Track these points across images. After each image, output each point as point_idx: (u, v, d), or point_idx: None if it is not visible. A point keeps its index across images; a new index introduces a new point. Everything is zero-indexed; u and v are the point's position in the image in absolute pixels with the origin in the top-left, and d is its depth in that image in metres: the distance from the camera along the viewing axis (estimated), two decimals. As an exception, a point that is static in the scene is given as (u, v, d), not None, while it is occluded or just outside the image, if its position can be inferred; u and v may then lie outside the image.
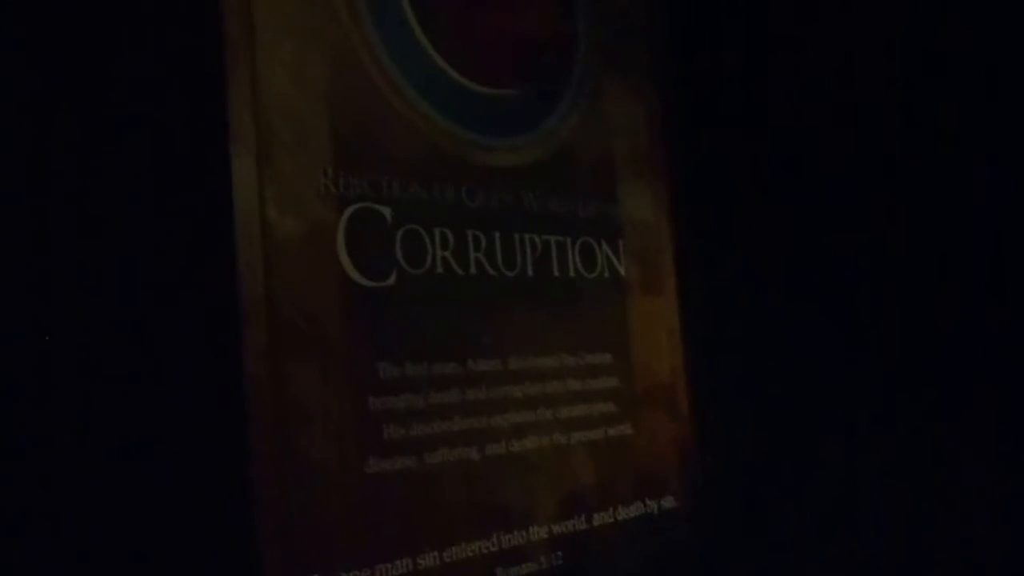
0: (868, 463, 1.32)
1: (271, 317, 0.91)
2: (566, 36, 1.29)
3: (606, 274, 1.27)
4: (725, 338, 1.39)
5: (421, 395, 1.02)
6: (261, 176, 0.92)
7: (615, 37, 1.35)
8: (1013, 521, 1.22)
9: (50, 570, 0.88)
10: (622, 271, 1.29)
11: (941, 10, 1.27)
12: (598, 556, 1.18)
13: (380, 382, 0.99)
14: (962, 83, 1.27)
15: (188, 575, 0.88)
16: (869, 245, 1.32)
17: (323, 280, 0.96)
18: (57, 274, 0.91)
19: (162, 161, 0.92)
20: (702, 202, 1.40)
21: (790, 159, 1.39)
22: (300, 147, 0.96)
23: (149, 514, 0.89)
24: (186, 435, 0.89)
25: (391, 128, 1.05)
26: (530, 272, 1.17)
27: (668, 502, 1.29)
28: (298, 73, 0.97)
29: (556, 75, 1.26)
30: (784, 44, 1.41)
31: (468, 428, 1.06)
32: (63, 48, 0.92)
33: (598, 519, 1.19)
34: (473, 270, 1.11)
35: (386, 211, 1.03)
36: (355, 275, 0.99)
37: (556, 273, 1.20)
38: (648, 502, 1.26)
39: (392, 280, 1.02)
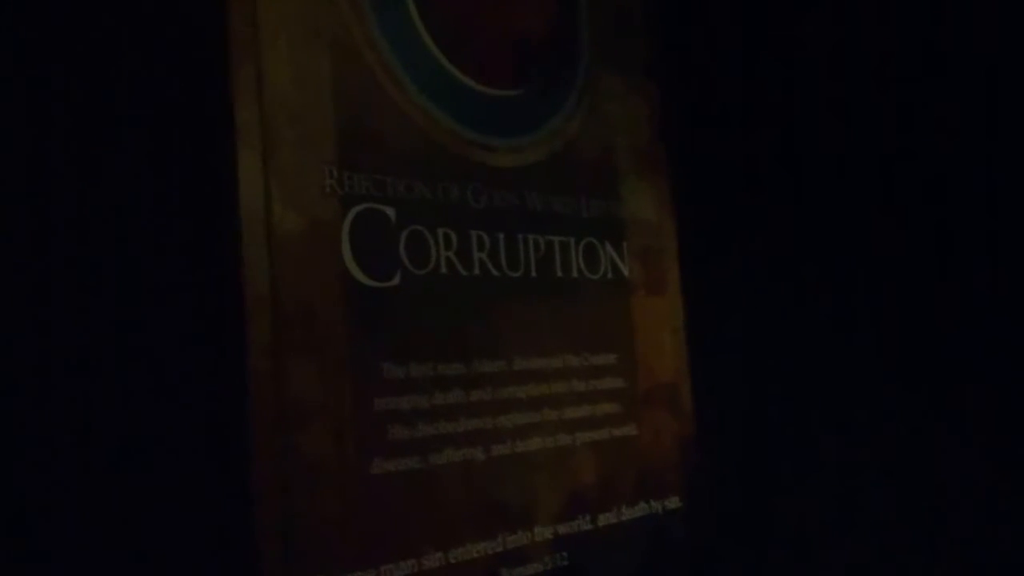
0: (868, 463, 1.32)
1: (274, 315, 0.90)
2: (568, 36, 1.29)
3: (609, 274, 1.27)
4: (727, 338, 1.39)
5: (425, 396, 1.02)
6: (266, 174, 0.92)
7: (617, 37, 1.35)
8: (1013, 521, 1.22)
9: (51, 568, 0.88)
10: (625, 271, 1.29)
11: (942, 10, 1.28)
12: (602, 556, 1.18)
13: (384, 382, 0.98)
14: (962, 83, 1.27)
15: (189, 574, 0.87)
16: (871, 245, 1.33)
17: (327, 279, 0.96)
18: (60, 270, 0.90)
19: (167, 159, 0.92)
20: (705, 202, 1.41)
21: (792, 159, 1.39)
22: (305, 146, 0.95)
23: (150, 512, 0.88)
24: (187, 433, 0.89)
25: (395, 128, 1.04)
26: (533, 272, 1.17)
27: (672, 502, 1.29)
28: (303, 72, 0.96)
29: (559, 75, 1.26)
30: (786, 43, 1.41)
31: (473, 429, 1.06)
32: (68, 47, 0.91)
33: (602, 519, 1.19)
34: (477, 270, 1.10)
35: (390, 211, 1.02)
36: (359, 274, 0.99)
37: (559, 273, 1.20)
38: (652, 502, 1.26)
39: (396, 280, 1.02)
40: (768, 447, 1.38)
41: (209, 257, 0.90)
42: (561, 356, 1.18)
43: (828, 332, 1.34)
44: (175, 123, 0.91)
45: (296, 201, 0.94)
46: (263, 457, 0.88)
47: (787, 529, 1.35)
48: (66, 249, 0.90)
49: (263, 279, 0.90)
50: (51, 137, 0.90)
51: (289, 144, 0.94)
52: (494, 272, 1.12)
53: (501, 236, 1.14)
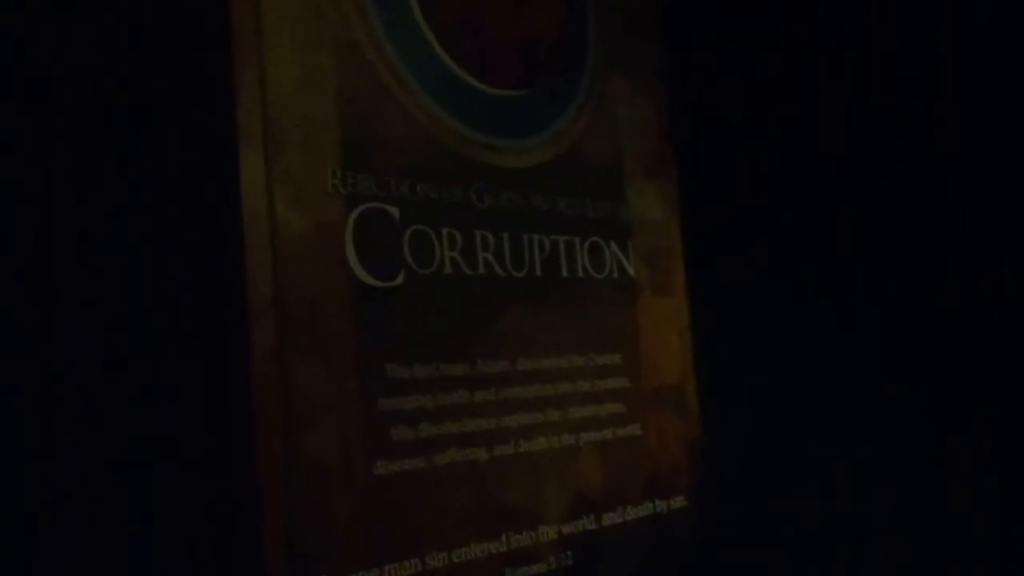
0: (872, 464, 1.32)
1: (278, 316, 0.90)
2: (575, 37, 1.28)
3: (615, 274, 1.27)
4: (733, 338, 1.38)
5: (430, 396, 1.02)
6: (270, 175, 0.92)
7: (624, 38, 1.35)
8: (1013, 521, 1.21)
9: (55, 569, 0.88)
10: (631, 271, 1.29)
11: (942, 10, 1.27)
12: (607, 556, 1.18)
13: (388, 383, 0.98)
14: (963, 83, 1.27)
15: (194, 575, 0.88)
16: (876, 247, 1.32)
17: (331, 279, 0.96)
18: (63, 273, 0.90)
19: (170, 160, 0.92)
20: (711, 203, 1.40)
21: (799, 160, 1.39)
22: (308, 146, 0.96)
23: (155, 514, 0.89)
24: (192, 434, 0.89)
25: (399, 128, 1.04)
26: (539, 273, 1.16)
27: (677, 502, 1.29)
28: (307, 72, 0.97)
29: (565, 76, 1.26)
30: (792, 46, 1.41)
31: (477, 429, 1.06)
32: (71, 48, 0.92)
33: (607, 519, 1.19)
34: (481, 270, 1.10)
35: (394, 211, 1.02)
36: (363, 275, 0.98)
37: (565, 273, 1.20)
38: (657, 502, 1.26)
39: (400, 280, 1.02)
40: (773, 448, 1.38)
41: (213, 259, 0.91)
42: (566, 356, 1.17)
43: (833, 333, 1.34)
44: (178, 124, 0.92)
45: (300, 202, 0.94)
46: (267, 458, 0.87)
47: (791, 529, 1.35)
48: (69, 251, 0.90)
49: (267, 280, 0.90)
50: (54, 139, 0.90)
51: (293, 145, 0.94)
52: (499, 272, 1.12)
53: (506, 236, 1.13)
